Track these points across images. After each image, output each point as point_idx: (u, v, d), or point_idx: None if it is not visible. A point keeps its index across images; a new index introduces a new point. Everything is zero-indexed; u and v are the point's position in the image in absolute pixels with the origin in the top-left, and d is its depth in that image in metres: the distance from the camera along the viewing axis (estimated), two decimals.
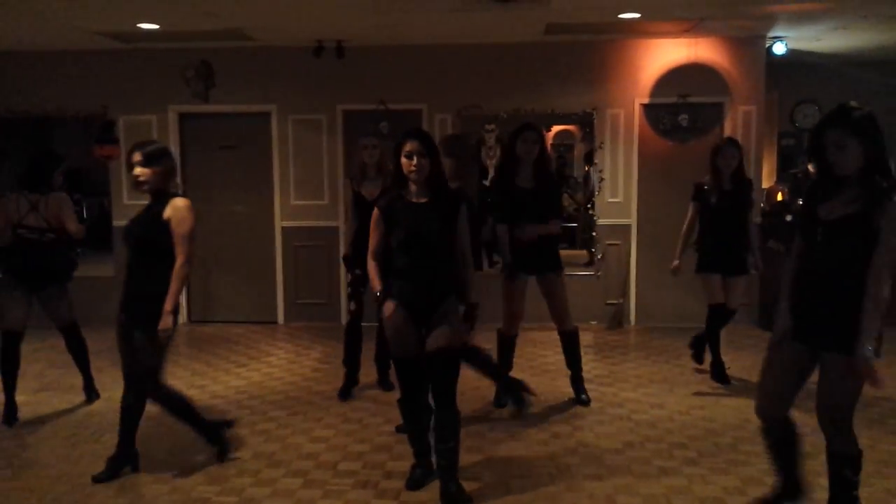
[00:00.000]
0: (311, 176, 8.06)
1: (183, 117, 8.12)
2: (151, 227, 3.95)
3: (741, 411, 4.94)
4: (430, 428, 3.83)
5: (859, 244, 2.96)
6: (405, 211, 3.66)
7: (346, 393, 5.52)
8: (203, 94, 8.02)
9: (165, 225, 3.91)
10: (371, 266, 3.82)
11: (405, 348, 3.74)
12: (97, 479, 3.98)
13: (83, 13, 6.40)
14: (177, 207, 3.96)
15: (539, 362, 6.42)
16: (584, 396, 5.27)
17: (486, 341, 5.21)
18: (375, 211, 3.79)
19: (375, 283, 3.79)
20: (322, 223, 8.07)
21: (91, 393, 5.44)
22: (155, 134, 8.04)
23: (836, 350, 3.03)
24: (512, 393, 5.13)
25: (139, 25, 6.88)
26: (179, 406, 4.19)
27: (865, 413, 5.07)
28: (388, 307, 3.69)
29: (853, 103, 3.01)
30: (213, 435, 4.33)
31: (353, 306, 5.71)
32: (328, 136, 8.02)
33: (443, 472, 3.73)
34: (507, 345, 5.31)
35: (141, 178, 3.95)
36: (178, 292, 3.95)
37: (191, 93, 8.01)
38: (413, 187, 3.69)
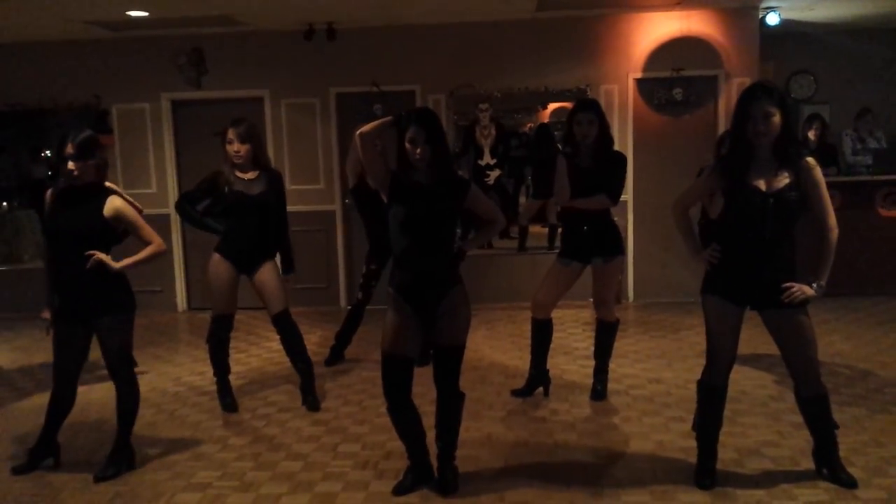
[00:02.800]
0: (306, 160, 8.06)
1: (176, 104, 8.11)
2: (93, 224, 3.80)
3: (738, 384, 4.95)
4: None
5: (798, 209, 3.38)
6: (409, 190, 3.55)
7: (330, 361, 5.88)
8: (195, 80, 8.00)
9: (106, 222, 3.82)
10: (368, 131, 3.61)
11: (402, 347, 3.55)
12: (99, 478, 3.91)
13: (72, 3, 6.37)
14: (116, 208, 3.83)
15: None
16: (599, 387, 4.99)
17: (498, 322, 5.21)
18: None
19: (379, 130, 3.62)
20: (318, 207, 8.07)
21: None
22: (149, 121, 8.05)
23: (785, 307, 3.42)
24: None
25: (128, 13, 6.85)
26: (135, 403, 4.05)
27: (864, 383, 5.11)
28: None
29: (767, 81, 3.51)
30: (126, 445, 4.06)
31: (360, 296, 5.80)
32: (322, 120, 8.00)
33: (443, 458, 3.69)
34: (542, 330, 4.97)
35: (75, 173, 3.75)
36: (138, 264, 3.87)
37: (183, 80, 8.00)
38: (417, 169, 3.57)
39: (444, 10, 7.22)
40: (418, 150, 3.47)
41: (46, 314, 3.96)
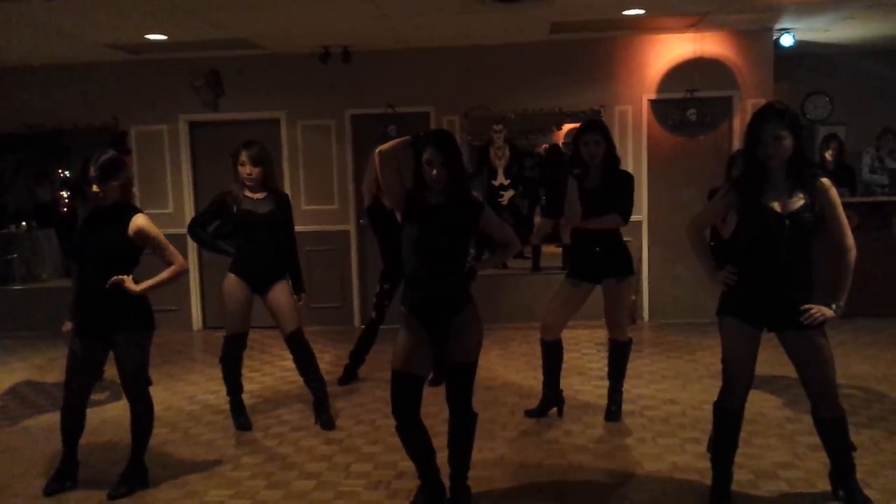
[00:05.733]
0: (321, 181, 8.12)
1: (193, 126, 8.21)
2: (117, 243, 3.87)
3: (754, 405, 4.88)
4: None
5: (813, 229, 3.38)
6: (423, 210, 3.55)
7: (344, 380, 5.92)
8: (212, 102, 8.10)
9: (130, 241, 3.87)
10: (388, 148, 3.61)
11: (412, 366, 3.52)
12: (112, 497, 3.91)
13: (92, 26, 6.48)
14: (139, 226, 3.88)
15: None
16: (613, 408, 4.93)
17: (511, 341, 5.20)
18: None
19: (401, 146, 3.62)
20: (333, 227, 8.12)
21: None
22: (166, 143, 8.14)
23: (803, 328, 3.38)
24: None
25: (147, 37, 6.96)
26: (149, 422, 4.06)
27: (869, 411, 5.05)
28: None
29: (781, 102, 3.46)
30: (140, 464, 4.07)
31: (374, 315, 5.83)
32: (337, 141, 8.07)
33: (455, 478, 3.67)
34: (552, 352, 4.94)
35: (101, 196, 3.81)
36: (160, 285, 3.92)
37: (200, 101, 8.10)
38: (432, 191, 3.56)
39: (458, 33, 7.28)
40: (434, 172, 3.48)
41: (68, 326, 3.97)
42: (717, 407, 3.63)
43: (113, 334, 3.89)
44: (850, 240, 3.39)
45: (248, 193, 4.81)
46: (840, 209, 3.39)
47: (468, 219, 3.57)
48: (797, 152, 3.34)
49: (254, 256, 4.84)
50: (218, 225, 4.92)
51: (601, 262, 4.74)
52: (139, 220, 3.90)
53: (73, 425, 4.04)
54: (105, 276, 3.80)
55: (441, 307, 3.54)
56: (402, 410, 3.55)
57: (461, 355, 3.56)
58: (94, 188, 3.81)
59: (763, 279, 3.43)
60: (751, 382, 3.57)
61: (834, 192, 3.39)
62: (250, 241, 4.81)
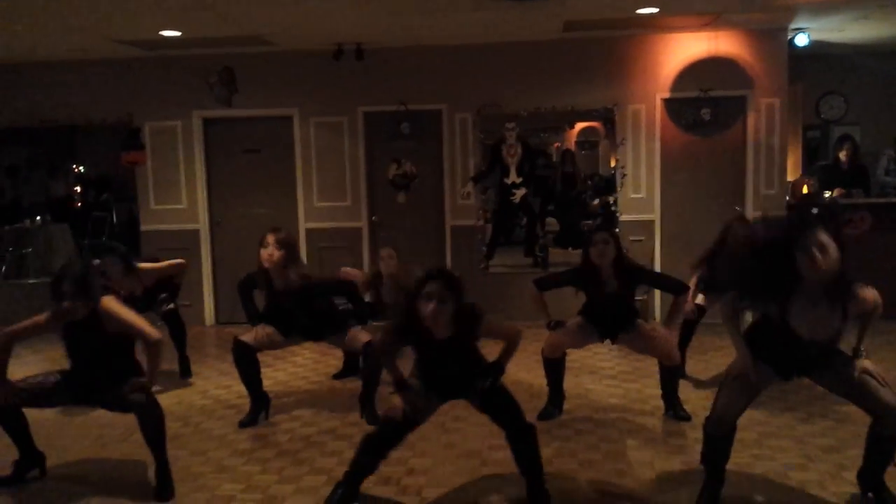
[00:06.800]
0: (333, 178, 8.13)
1: (207, 122, 8.24)
2: (104, 342, 3.87)
3: (765, 407, 4.90)
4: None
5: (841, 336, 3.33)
6: (424, 348, 3.62)
7: (341, 375, 6.11)
8: (226, 99, 8.13)
9: (115, 334, 3.86)
10: (385, 363, 3.74)
11: (419, 416, 3.68)
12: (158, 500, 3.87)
13: (106, 22, 6.51)
14: (108, 310, 3.83)
15: None
16: (681, 413, 4.88)
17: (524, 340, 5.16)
18: (395, 322, 3.66)
19: (395, 375, 3.68)
20: (345, 224, 8.14)
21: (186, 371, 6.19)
22: (180, 139, 8.18)
23: (842, 366, 3.37)
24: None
25: (161, 33, 6.99)
26: (159, 424, 3.95)
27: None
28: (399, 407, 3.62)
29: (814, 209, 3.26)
30: (166, 464, 3.99)
31: None
32: (350, 138, 8.08)
33: (535, 489, 3.68)
34: (552, 367, 4.99)
35: (69, 311, 3.75)
36: (157, 368, 3.93)
37: (214, 98, 8.13)
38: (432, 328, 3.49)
39: (471, 31, 7.28)
40: (431, 308, 3.36)
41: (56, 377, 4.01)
42: (705, 430, 3.58)
43: (112, 391, 3.89)
44: (877, 297, 3.31)
45: (273, 276, 4.98)
46: (870, 297, 3.28)
47: (474, 337, 3.59)
48: (842, 266, 3.11)
49: (291, 328, 5.10)
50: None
51: (613, 325, 4.86)
52: (106, 304, 3.83)
53: (13, 425, 4.02)
54: (103, 367, 3.88)
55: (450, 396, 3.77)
56: (382, 443, 3.66)
57: (479, 389, 3.64)
58: (67, 304, 3.72)
59: (792, 362, 3.42)
60: (739, 414, 3.51)
61: (869, 294, 3.27)
62: (286, 317, 5.06)
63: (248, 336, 5.06)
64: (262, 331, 5.06)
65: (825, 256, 3.03)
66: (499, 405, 3.65)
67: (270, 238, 4.90)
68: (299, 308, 5.01)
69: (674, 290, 4.84)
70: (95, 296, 3.80)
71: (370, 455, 3.67)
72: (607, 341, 4.97)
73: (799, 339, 3.26)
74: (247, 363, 5.04)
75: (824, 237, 3.06)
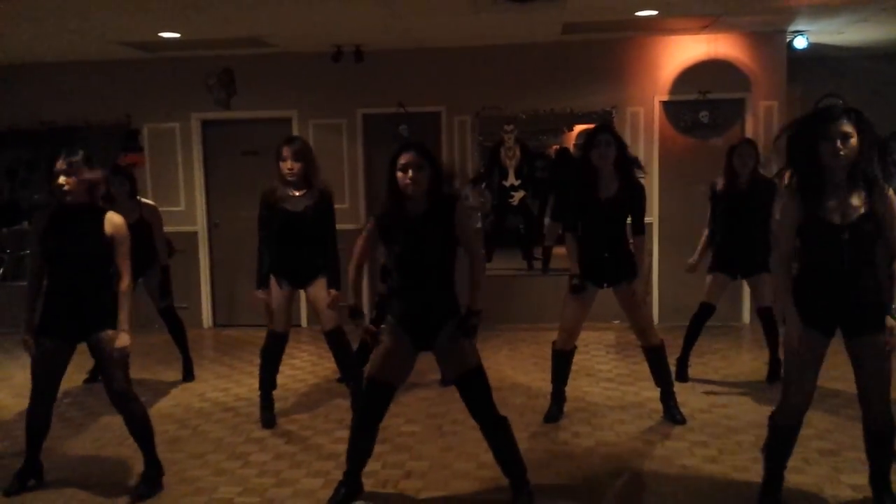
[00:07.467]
0: (332, 180, 7.97)
1: (205, 124, 8.23)
2: (96, 248, 3.79)
3: (763, 409, 4.89)
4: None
5: (876, 237, 3.25)
6: (401, 226, 3.50)
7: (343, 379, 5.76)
8: (225, 101, 8.13)
9: (108, 240, 3.80)
10: (352, 276, 3.72)
11: (388, 374, 3.59)
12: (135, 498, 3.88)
13: (106, 24, 6.51)
14: (116, 224, 3.81)
15: None
16: (678, 417, 4.85)
17: (521, 343, 5.19)
18: (370, 222, 3.68)
19: (352, 298, 3.73)
20: (344, 226, 8.05)
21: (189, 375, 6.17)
22: (179, 141, 8.18)
23: (870, 333, 3.27)
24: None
25: (160, 34, 6.99)
26: (143, 420, 3.97)
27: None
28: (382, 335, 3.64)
29: (837, 101, 3.23)
30: (154, 461, 4.02)
31: (373, 314, 5.84)
32: (349, 140, 8.08)
33: (516, 484, 3.66)
34: (563, 360, 4.92)
35: (66, 188, 3.70)
36: (131, 312, 3.88)
37: (213, 100, 8.12)
38: (410, 201, 3.49)
39: (470, 33, 7.28)
40: (409, 177, 3.41)
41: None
42: (773, 422, 3.56)
43: (97, 332, 3.82)
44: None
45: (289, 191, 4.83)
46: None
47: (445, 224, 3.50)
48: (861, 154, 3.20)
49: (289, 254, 4.89)
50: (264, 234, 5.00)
51: (611, 268, 4.71)
52: (115, 219, 3.83)
53: (39, 427, 3.99)
54: (82, 279, 3.78)
55: (428, 319, 3.55)
56: (367, 414, 3.63)
57: (457, 367, 3.57)
58: (61, 180, 3.69)
59: (829, 288, 3.33)
60: (811, 394, 3.44)
61: (893, 198, 3.26)
62: (285, 239, 4.86)
63: (278, 324, 4.95)
64: (277, 307, 4.91)
65: (846, 145, 3.15)
66: (472, 395, 3.57)
67: (287, 151, 4.77)
68: (303, 235, 4.84)
69: (634, 227, 4.72)
70: (91, 176, 3.77)
71: (362, 430, 3.66)
72: (605, 285, 4.77)
73: (835, 228, 3.22)
74: (277, 356, 5.03)
75: (847, 126, 3.15)
